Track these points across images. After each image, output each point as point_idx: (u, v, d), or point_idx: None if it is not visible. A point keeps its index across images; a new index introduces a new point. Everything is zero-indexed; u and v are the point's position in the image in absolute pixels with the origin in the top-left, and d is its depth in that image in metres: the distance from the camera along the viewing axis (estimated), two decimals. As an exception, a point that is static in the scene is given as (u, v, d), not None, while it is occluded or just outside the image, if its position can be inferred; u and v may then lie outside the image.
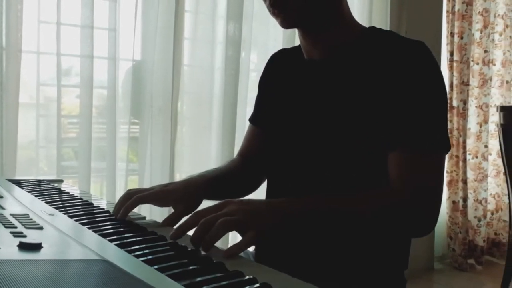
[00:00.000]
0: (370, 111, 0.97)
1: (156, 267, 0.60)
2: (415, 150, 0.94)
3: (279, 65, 1.21)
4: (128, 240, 0.77)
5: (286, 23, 1.03)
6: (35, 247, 0.63)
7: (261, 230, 0.79)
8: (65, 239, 0.71)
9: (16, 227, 0.73)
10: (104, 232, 0.82)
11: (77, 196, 1.17)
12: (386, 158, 0.96)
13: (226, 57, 2.33)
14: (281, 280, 0.61)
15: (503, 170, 3.34)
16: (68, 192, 1.21)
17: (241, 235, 0.78)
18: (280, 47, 2.47)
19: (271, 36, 2.52)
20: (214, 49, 2.35)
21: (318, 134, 1.04)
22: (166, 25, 2.21)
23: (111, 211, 1.01)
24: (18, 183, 1.30)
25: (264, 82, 1.25)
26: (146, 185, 2.21)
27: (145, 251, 0.72)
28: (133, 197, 0.96)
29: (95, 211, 1.02)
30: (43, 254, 0.62)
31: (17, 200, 1.00)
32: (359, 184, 0.99)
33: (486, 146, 3.34)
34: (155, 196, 1.01)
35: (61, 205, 1.03)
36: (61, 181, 1.46)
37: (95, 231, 0.81)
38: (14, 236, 0.68)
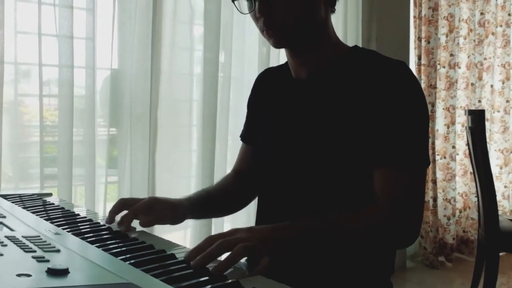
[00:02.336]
0: (355, 129, 1.01)
1: (174, 286, 0.63)
2: (396, 166, 0.99)
3: (266, 84, 1.26)
4: (142, 259, 0.80)
5: (278, 44, 1.08)
6: (63, 272, 0.65)
7: (274, 256, 0.84)
8: (86, 263, 0.73)
9: (35, 251, 0.74)
10: (116, 251, 0.84)
11: (74, 212, 1.18)
12: (371, 174, 1.01)
13: (205, 63, 2.35)
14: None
15: (470, 170, 3.47)
16: (63, 208, 1.23)
17: (252, 260, 0.83)
18: (256, 53, 2.54)
19: (247, 43, 2.55)
20: (192, 56, 2.38)
21: (305, 151, 1.08)
22: (144, 33, 2.21)
23: (111, 227, 1.04)
24: (9, 198, 1.30)
25: (253, 101, 1.30)
26: (126, 193, 2.22)
27: (161, 270, 0.75)
28: (129, 210, 1.06)
29: (98, 228, 1.04)
30: (72, 279, 0.64)
31: (20, 220, 1.01)
32: (344, 199, 1.04)
33: (453, 147, 3.46)
34: (146, 206, 1.10)
35: (63, 223, 1.04)
36: (50, 194, 1.47)
37: (105, 250, 0.83)
38: (38, 261, 0.69)
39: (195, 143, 2.38)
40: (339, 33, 1.98)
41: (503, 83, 3.80)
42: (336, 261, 1.04)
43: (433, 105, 3.35)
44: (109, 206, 2.16)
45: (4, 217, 1.02)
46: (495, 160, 3.77)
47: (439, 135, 3.46)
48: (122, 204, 1.11)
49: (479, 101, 3.72)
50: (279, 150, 1.13)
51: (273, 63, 2.56)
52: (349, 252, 1.02)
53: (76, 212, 1.18)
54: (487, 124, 3.52)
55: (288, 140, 1.11)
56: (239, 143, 2.52)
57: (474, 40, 3.64)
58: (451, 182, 3.48)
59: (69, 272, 0.65)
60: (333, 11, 1.11)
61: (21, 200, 1.29)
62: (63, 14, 2.02)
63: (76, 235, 0.93)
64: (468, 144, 2.78)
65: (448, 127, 3.45)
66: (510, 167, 3.87)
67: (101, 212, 2.13)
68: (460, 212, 3.61)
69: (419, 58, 3.35)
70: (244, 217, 2.47)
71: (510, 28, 3.80)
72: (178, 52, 2.33)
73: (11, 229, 0.91)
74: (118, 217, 1.09)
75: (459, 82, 3.57)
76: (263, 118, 1.21)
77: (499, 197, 3.67)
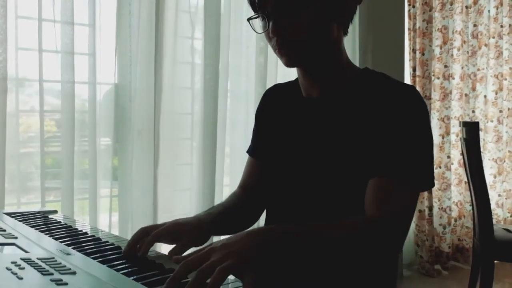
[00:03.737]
0: (362, 149, 1.05)
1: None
2: (393, 178, 1.00)
3: (275, 100, 1.28)
4: (153, 279, 0.83)
5: (290, 63, 1.10)
6: (83, 296, 0.68)
7: (257, 269, 0.81)
8: (102, 285, 0.76)
9: (52, 274, 0.77)
10: (127, 271, 0.87)
11: (81, 230, 1.20)
12: None
13: (205, 79, 2.39)
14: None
15: (464, 179, 3.52)
16: (70, 226, 1.25)
17: (237, 276, 0.81)
18: (253, 68, 2.58)
19: (244, 59, 2.59)
20: (193, 70, 2.42)
21: (314, 168, 1.11)
22: (147, 48, 2.25)
23: (120, 245, 1.07)
24: (15, 216, 1.32)
25: (261, 115, 1.32)
26: (129, 208, 2.25)
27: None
28: (150, 235, 1.01)
29: (106, 247, 1.06)
30: (92, 302, 0.67)
31: (31, 240, 1.03)
32: (351, 214, 1.05)
33: (448, 157, 3.51)
34: (168, 231, 1.06)
35: (72, 242, 1.07)
36: (55, 211, 1.49)
37: (117, 270, 0.86)
38: (57, 284, 0.72)
39: (195, 155, 2.42)
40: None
41: (496, 93, 3.86)
42: (331, 272, 1.03)
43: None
44: (111, 217, 2.21)
45: (16, 237, 1.05)
46: (489, 169, 3.82)
47: (434, 145, 3.51)
48: (143, 233, 1.05)
49: (473, 111, 3.77)
50: (289, 168, 1.16)
51: (271, 75, 2.61)
52: (335, 261, 0.97)
53: (84, 231, 1.20)
54: (481, 134, 3.57)
55: (299, 158, 1.14)
56: (238, 154, 2.55)
57: (468, 52, 3.70)
58: (446, 192, 3.52)
59: (88, 296, 0.68)
60: (346, 33, 1.14)
61: (28, 218, 1.31)
62: (64, 30, 2.06)
63: (87, 255, 0.96)
64: (462, 154, 2.83)
65: (443, 137, 3.50)
66: (503, 176, 3.92)
67: (101, 226, 2.16)
68: (456, 220, 3.66)
69: (414, 69, 3.40)
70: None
71: (502, 39, 3.86)
72: (179, 67, 2.37)
73: (25, 251, 0.94)
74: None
75: (453, 92, 3.63)
76: (272, 133, 1.24)
77: (493, 206, 3.72)
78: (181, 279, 0.77)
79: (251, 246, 0.83)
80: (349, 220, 0.99)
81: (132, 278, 0.82)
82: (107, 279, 0.79)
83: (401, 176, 1.00)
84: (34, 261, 0.84)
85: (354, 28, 2.99)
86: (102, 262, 0.91)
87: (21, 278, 0.74)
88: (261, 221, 1.29)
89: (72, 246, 1.02)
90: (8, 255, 0.91)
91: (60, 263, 0.85)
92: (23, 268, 0.80)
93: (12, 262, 0.82)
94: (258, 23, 1.11)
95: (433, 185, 1.07)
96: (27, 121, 2.15)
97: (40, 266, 0.82)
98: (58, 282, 0.73)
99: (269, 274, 0.84)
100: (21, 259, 0.85)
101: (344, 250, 0.95)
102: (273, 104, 1.28)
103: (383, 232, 0.98)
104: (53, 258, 0.88)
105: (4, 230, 1.11)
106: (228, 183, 2.49)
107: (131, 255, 0.99)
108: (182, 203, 2.40)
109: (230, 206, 1.26)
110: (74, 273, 0.80)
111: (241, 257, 0.80)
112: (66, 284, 0.73)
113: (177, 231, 1.07)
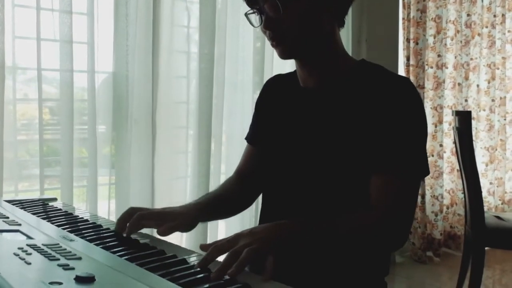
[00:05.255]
0: (358, 138, 1.08)
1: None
2: (395, 173, 1.05)
3: (275, 90, 1.32)
4: (156, 264, 0.86)
5: (284, 55, 1.15)
6: (90, 280, 0.71)
7: (278, 254, 0.89)
8: (107, 269, 0.79)
9: (59, 259, 0.80)
10: (130, 256, 0.90)
11: (82, 218, 1.23)
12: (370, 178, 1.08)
13: (201, 68, 2.41)
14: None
15: (457, 167, 3.57)
16: (71, 214, 1.28)
17: (257, 261, 0.88)
18: (250, 57, 2.60)
19: (241, 48, 2.61)
20: (188, 59, 2.44)
21: (311, 157, 1.15)
22: (144, 38, 2.27)
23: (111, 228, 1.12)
24: (16, 204, 1.35)
25: (261, 104, 1.36)
26: (126, 196, 2.28)
27: (177, 275, 0.81)
28: (135, 214, 1.09)
29: (107, 234, 1.09)
30: (100, 286, 0.70)
31: (34, 227, 1.06)
32: (348, 203, 1.10)
33: (441, 145, 3.56)
34: (153, 214, 1.13)
35: (75, 229, 1.10)
36: (54, 199, 1.52)
37: (121, 256, 0.89)
38: (64, 269, 0.75)
39: (191, 144, 2.44)
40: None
41: (488, 82, 3.90)
42: (331, 261, 1.10)
43: (421, 104, 3.43)
44: (109, 205, 2.24)
45: (20, 224, 1.07)
46: (481, 158, 3.87)
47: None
48: (132, 212, 1.12)
49: (466, 101, 3.81)
50: (285, 156, 1.20)
51: (267, 65, 2.63)
52: (343, 253, 1.08)
53: (85, 218, 1.23)
54: (473, 122, 3.61)
55: (295, 147, 1.18)
56: (233, 143, 2.58)
57: (461, 41, 3.73)
58: (439, 180, 3.57)
59: (95, 280, 0.71)
60: (341, 25, 1.17)
61: (29, 205, 1.34)
62: (62, 19, 2.07)
63: (89, 241, 0.99)
64: (455, 143, 2.87)
65: (435, 126, 3.54)
66: (495, 164, 3.98)
67: (100, 213, 2.18)
68: (447, 208, 3.71)
69: (408, 59, 3.43)
70: (238, 218, 2.54)
71: (495, 29, 3.90)
72: (175, 55, 2.39)
73: (30, 237, 0.97)
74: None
75: (447, 82, 3.66)
76: (272, 122, 1.27)
77: (484, 194, 3.78)
78: (211, 261, 0.86)
79: (277, 235, 0.94)
80: (361, 215, 1.05)
81: (135, 263, 0.85)
82: (111, 265, 0.82)
83: (402, 171, 1.05)
84: (40, 247, 0.87)
85: (347, 18, 2.99)
86: (105, 249, 0.94)
87: (29, 263, 0.77)
88: (258, 217, 1.32)
89: (75, 233, 1.05)
90: (14, 241, 0.94)
91: (65, 249, 0.88)
92: (30, 254, 0.82)
93: (19, 248, 0.85)
94: (254, 17, 1.15)
95: (429, 172, 1.13)
96: (24, 110, 2.16)
97: (46, 251, 0.85)
98: (65, 267, 0.76)
99: (287, 262, 0.93)
100: (27, 245, 0.88)
101: (356, 243, 1.04)
102: (273, 94, 1.32)
103: (393, 226, 1.05)
104: (58, 244, 0.91)
105: (7, 217, 1.14)
106: (224, 171, 2.52)
107: (129, 240, 1.05)
108: (179, 190, 2.43)
109: (222, 194, 1.32)
110: (79, 258, 0.83)
111: (267, 244, 0.90)
112: (73, 268, 0.76)
113: (162, 215, 1.13)
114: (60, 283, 0.69)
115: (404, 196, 1.06)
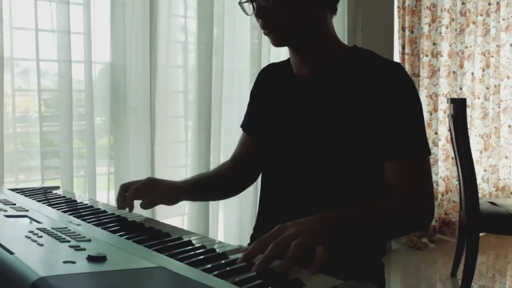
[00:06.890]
0: (354, 124, 1.11)
1: (216, 272, 0.72)
2: (407, 157, 1.08)
3: (269, 78, 1.34)
4: (163, 245, 0.88)
5: (276, 42, 1.18)
6: (102, 259, 0.73)
7: (326, 246, 0.88)
8: (116, 250, 0.82)
9: (69, 241, 0.83)
10: (138, 239, 0.92)
11: (87, 204, 1.26)
12: (375, 166, 1.10)
13: (198, 58, 2.42)
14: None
15: (452, 155, 3.61)
16: (75, 200, 1.30)
17: (304, 253, 0.85)
18: (247, 46, 2.62)
19: (238, 38, 2.62)
20: (186, 48, 2.45)
21: (307, 144, 1.17)
22: (141, 28, 2.27)
23: (126, 217, 1.13)
24: (20, 192, 1.37)
25: (255, 93, 1.38)
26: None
27: (184, 255, 0.83)
28: (130, 190, 1.18)
29: (112, 219, 1.11)
30: (112, 264, 0.72)
31: (41, 213, 1.08)
32: (344, 188, 1.13)
33: (436, 133, 3.59)
34: (145, 185, 1.20)
35: (81, 214, 1.12)
36: (57, 187, 1.54)
37: (128, 238, 0.92)
38: (76, 250, 0.78)
39: (190, 133, 2.46)
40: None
41: (483, 70, 3.93)
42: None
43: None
44: (108, 195, 2.26)
45: (27, 210, 1.10)
46: (475, 145, 3.92)
47: (422, 121, 3.58)
48: (125, 189, 1.21)
49: (461, 89, 3.85)
50: (280, 143, 1.22)
51: (265, 54, 2.65)
52: (379, 238, 1.14)
53: (89, 204, 1.26)
54: (468, 110, 3.65)
55: (289, 134, 1.20)
56: (232, 133, 2.61)
57: (456, 29, 3.76)
58: (434, 167, 3.61)
59: (106, 259, 0.74)
60: (333, 12, 1.20)
61: (33, 193, 1.36)
62: (60, 9, 2.07)
63: (97, 225, 1.01)
64: (450, 130, 2.90)
65: (431, 114, 3.57)
66: (489, 151, 4.02)
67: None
68: (442, 195, 3.76)
69: (403, 47, 3.45)
70: (236, 204, 2.57)
71: (490, 17, 3.92)
72: (173, 45, 2.40)
73: (38, 222, 0.99)
74: None
75: (441, 70, 3.69)
76: (266, 110, 1.30)
77: (479, 181, 3.82)
78: (256, 255, 0.83)
79: (321, 227, 0.92)
80: (389, 202, 1.07)
81: (143, 245, 0.87)
82: (120, 246, 0.84)
83: (414, 154, 1.09)
84: (50, 230, 0.89)
85: (343, 7, 3.03)
86: (113, 232, 0.97)
87: (42, 245, 0.80)
88: (256, 205, 1.35)
89: (81, 218, 1.07)
90: (24, 225, 0.97)
91: (75, 232, 0.90)
92: (41, 237, 0.85)
93: (30, 231, 0.87)
94: (247, 6, 1.18)
95: (430, 152, 1.16)
96: (21, 101, 2.17)
97: (57, 234, 0.87)
98: (76, 248, 0.79)
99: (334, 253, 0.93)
100: (37, 228, 0.90)
101: (394, 228, 1.10)
102: (267, 82, 1.34)
103: (423, 206, 1.08)
104: (67, 227, 0.93)
105: (14, 204, 1.16)
106: (223, 160, 2.53)
107: (134, 223, 1.09)
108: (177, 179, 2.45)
109: (213, 176, 1.37)
110: (89, 240, 0.85)
111: (311, 235, 0.87)
112: (84, 249, 0.78)
113: (151, 186, 1.21)
114: (74, 262, 0.71)
115: (423, 176, 1.09)
